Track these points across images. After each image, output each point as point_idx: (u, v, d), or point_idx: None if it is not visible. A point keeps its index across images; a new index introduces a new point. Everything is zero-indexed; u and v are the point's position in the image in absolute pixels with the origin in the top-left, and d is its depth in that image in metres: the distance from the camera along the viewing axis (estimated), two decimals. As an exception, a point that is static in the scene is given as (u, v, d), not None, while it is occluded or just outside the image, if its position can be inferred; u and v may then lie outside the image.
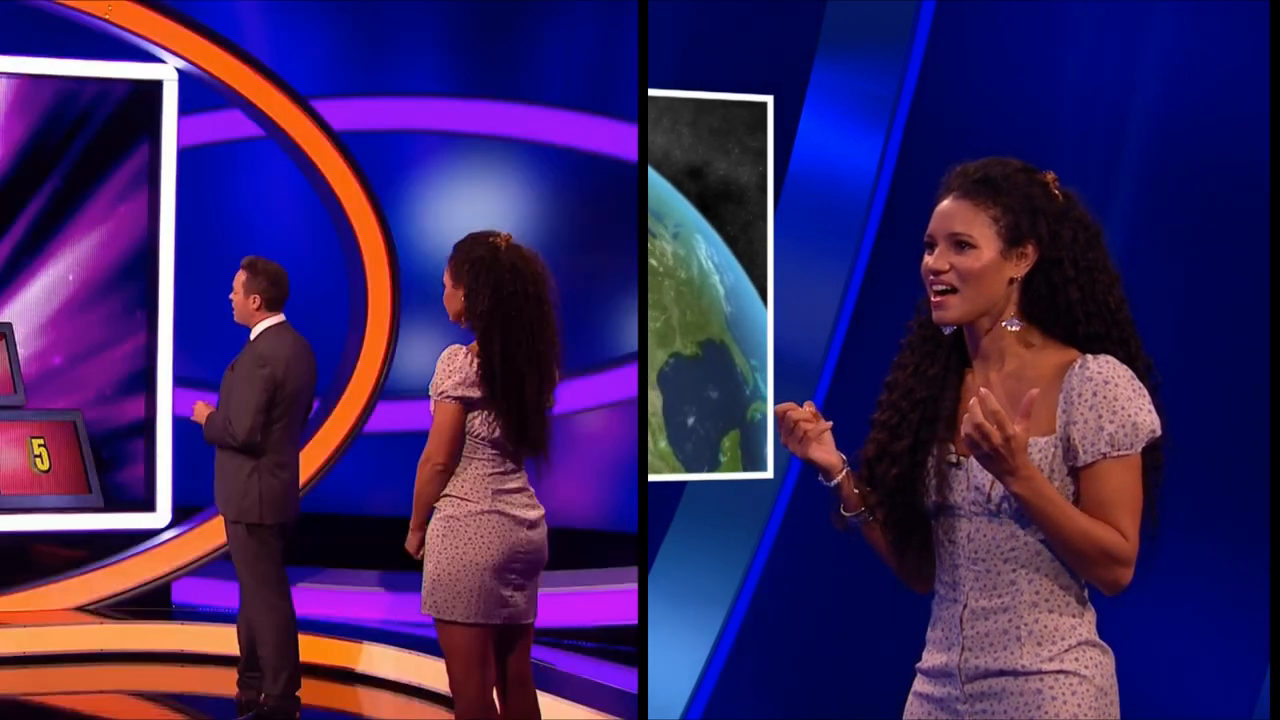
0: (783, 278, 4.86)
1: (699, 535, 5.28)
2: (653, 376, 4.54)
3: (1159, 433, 2.47)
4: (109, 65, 7.18)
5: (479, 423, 4.11)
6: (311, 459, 6.73)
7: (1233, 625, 4.88)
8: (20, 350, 7.08)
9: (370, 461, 7.63)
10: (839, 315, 5.29)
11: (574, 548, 6.36)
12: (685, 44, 5.63)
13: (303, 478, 5.87)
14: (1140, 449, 2.46)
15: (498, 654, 4.21)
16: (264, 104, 6.88)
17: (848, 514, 2.71)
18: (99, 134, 7.25)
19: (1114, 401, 2.45)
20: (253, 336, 5.48)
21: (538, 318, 4.14)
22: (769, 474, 4.77)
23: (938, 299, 2.55)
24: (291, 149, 6.97)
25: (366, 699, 6.25)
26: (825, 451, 2.69)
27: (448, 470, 4.13)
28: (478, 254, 4.14)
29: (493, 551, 4.08)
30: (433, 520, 4.16)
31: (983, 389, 2.37)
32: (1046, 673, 2.48)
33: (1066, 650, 2.49)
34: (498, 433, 4.12)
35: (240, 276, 5.52)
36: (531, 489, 4.24)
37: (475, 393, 4.09)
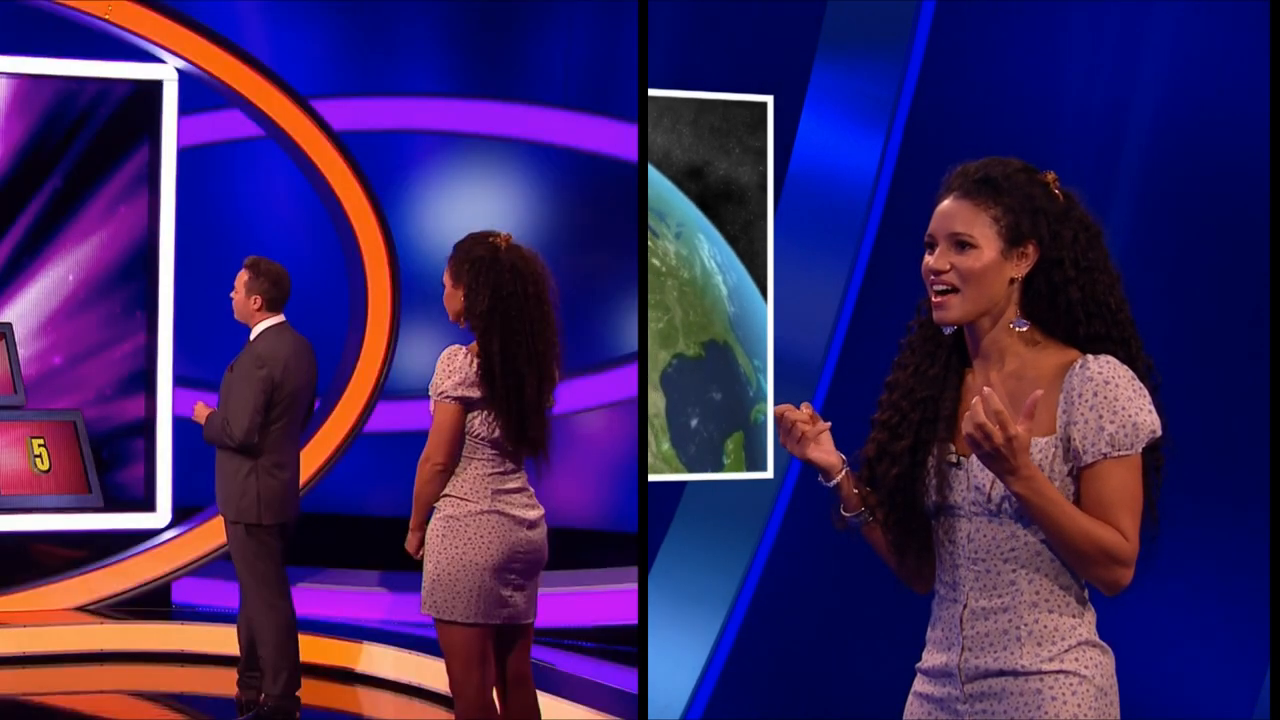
0: (783, 278, 4.86)
1: (699, 535, 5.29)
2: (655, 378, 4.53)
3: (1159, 433, 2.47)
4: (109, 65, 7.17)
5: (479, 423, 4.11)
6: (311, 459, 6.73)
7: (1233, 625, 4.88)
8: (20, 350, 7.08)
9: (370, 461, 7.63)
10: (839, 315, 5.29)
11: (574, 548, 6.37)
12: (685, 44, 5.63)
13: (303, 478, 5.86)
14: (1141, 449, 2.46)
15: (497, 654, 4.21)
16: (264, 104, 6.88)
17: (848, 514, 2.71)
18: (99, 134, 7.24)
19: (1114, 402, 2.45)
20: (252, 337, 5.48)
21: (538, 318, 4.14)
22: (769, 474, 4.76)
23: (938, 299, 2.55)
24: (291, 149, 6.97)
25: (366, 699, 6.25)
26: (824, 452, 2.70)
27: (447, 470, 4.13)
28: (478, 254, 4.14)
29: (492, 551, 4.08)
30: (432, 520, 4.16)
31: (986, 388, 2.37)
32: (1046, 673, 2.48)
33: (1066, 650, 2.49)
34: (497, 433, 4.12)
35: (242, 276, 5.52)
36: (531, 489, 4.24)
37: (475, 393, 4.09)
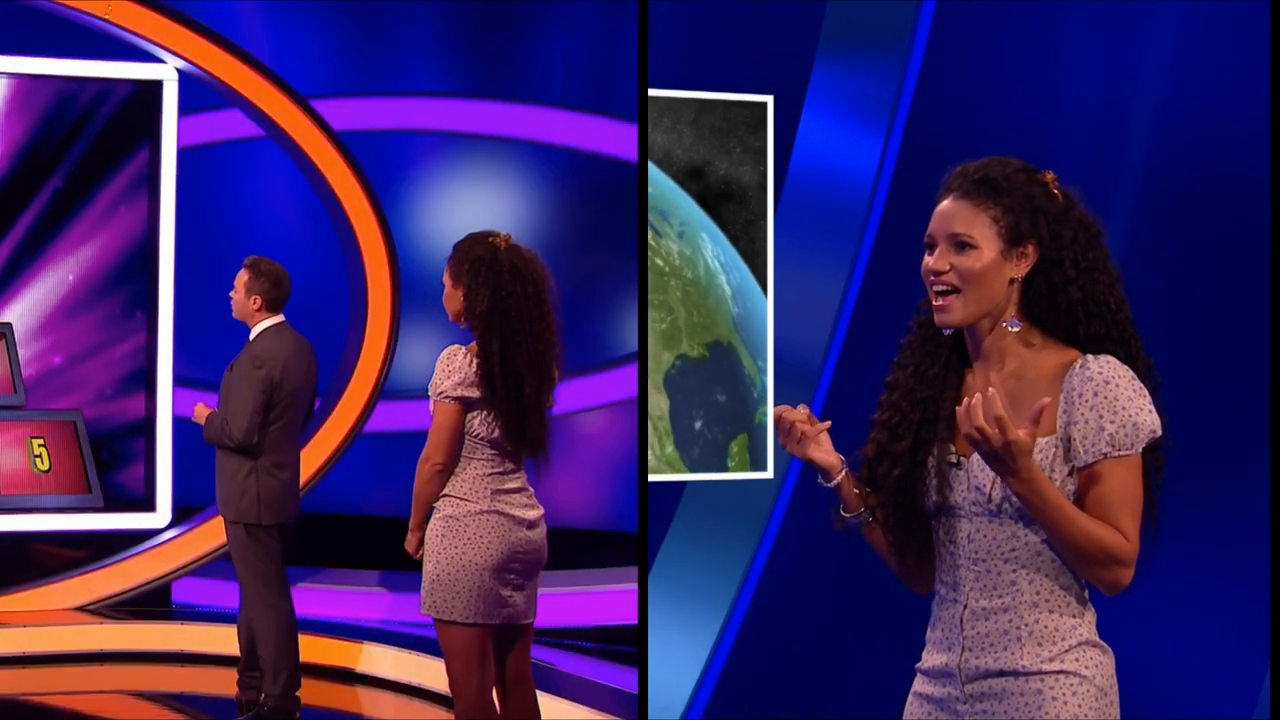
0: (783, 278, 4.86)
1: (699, 535, 5.28)
2: (659, 379, 4.52)
3: (1159, 433, 2.47)
4: (109, 65, 7.17)
5: (478, 423, 4.11)
6: (311, 459, 6.73)
7: (1233, 625, 4.88)
8: (20, 350, 7.08)
9: (370, 461, 7.63)
10: (839, 315, 5.29)
11: (574, 548, 6.36)
12: (685, 44, 5.63)
13: (303, 478, 5.86)
14: (1141, 449, 2.46)
15: (497, 654, 4.21)
16: (264, 104, 6.88)
17: (848, 515, 2.71)
18: (99, 134, 7.24)
19: (1115, 402, 2.45)
20: (252, 337, 5.48)
21: (537, 318, 4.14)
22: (769, 474, 4.76)
23: (938, 300, 2.55)
24: (291, 149, 6.97)
25: (366, 699, 6.25)
26: (823, 452, 2.70)
27: (447, 470, 4.13)
28: (477, 254, 4.14)
29: (492, 551, 4.08)
30: (432, 520, 4.16)
31: (991, 390, 2.36)
32: (1047, 673, 2.48)
33: (1067, 650, 2.49)
34: (497, 433, 4.12)
35: (242, 276, 5.52)
36: (531, 489, 4.24)
37: (474, 393, 4.09)
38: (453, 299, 4.18)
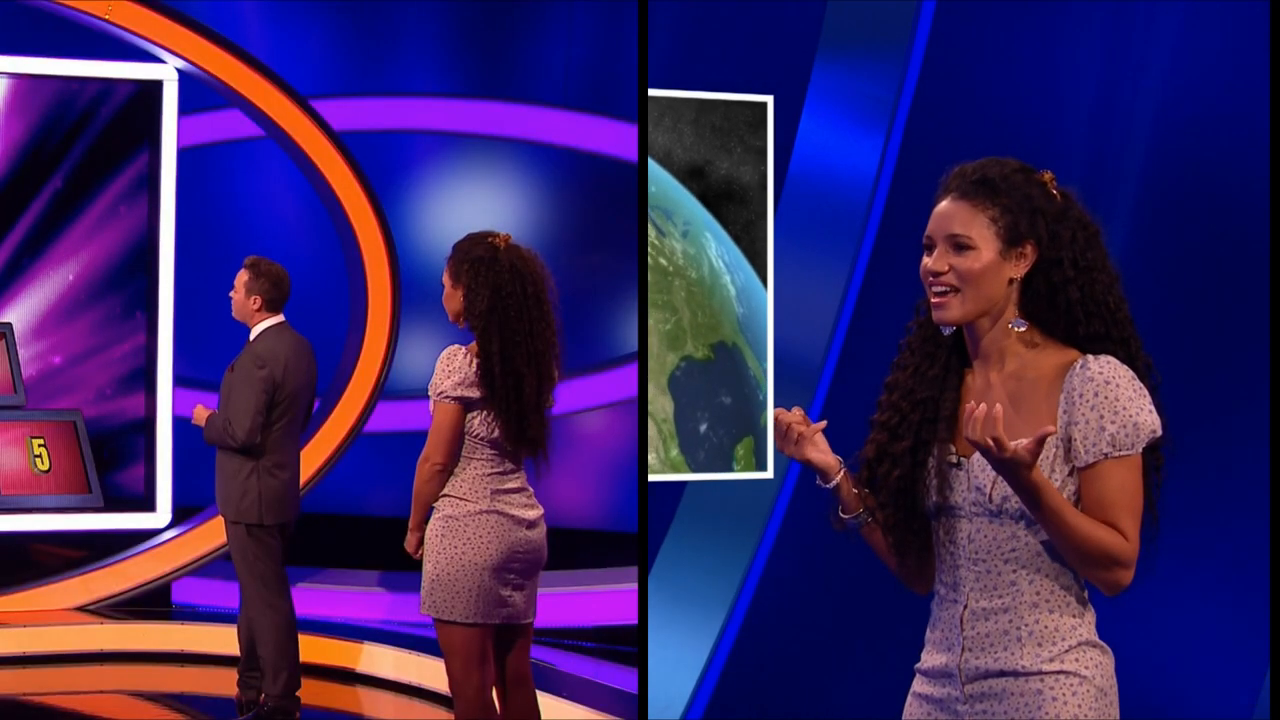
0: (783, 278, 4.85)
1: (699, 535, 5.28)
2: (663, 381, 4.51)
3: (1160, 433, 2.47)
4: (109, 65, 7.17)
5: (478, 423, 4.11)
6: (311, 459, 6.73)
7: (1233, 625, 4.88)
8: (20, 350, 7.08)
9: (370, 461, 7.63)
10: (839, 315, 5.29)
11: (574, 548, 6.36)
12: (685, 44, 5.63)
13: (303, 478, 5.86)
14: (1141, 449, 2.46)
15: (497, 654, 4.21)
16: (264, 104, 6.88)
17: (846, 516, 2.71)
18: (99, 135, 7.25)
19: (1115, 402, 2.45)
20: (252, 337, 5.48)
21: (537, 318, 4.14)
22: (769, 474, 4.76)
23: (938, 300, 2.54)
24: (291, 149, 6.97)
25: (366, 699, 6.25)
26: (820, 453, 2.69)
27: (446, 470, 4.13)
28: (477, 254, 4.14)
29: (491, 551, 4.08)
30: (432, 520, 4.16)
31: (998, 407, 2.34)
32: (1047, 673, 2.48)
33: (1067, 651, 2.49)
34: (497, 433, 4.12)
35: (242, 276, 5.52)
36: (530, 489, 4.24)
37: (474, 393, 4.09)
38: (452, 299, 4.18)
